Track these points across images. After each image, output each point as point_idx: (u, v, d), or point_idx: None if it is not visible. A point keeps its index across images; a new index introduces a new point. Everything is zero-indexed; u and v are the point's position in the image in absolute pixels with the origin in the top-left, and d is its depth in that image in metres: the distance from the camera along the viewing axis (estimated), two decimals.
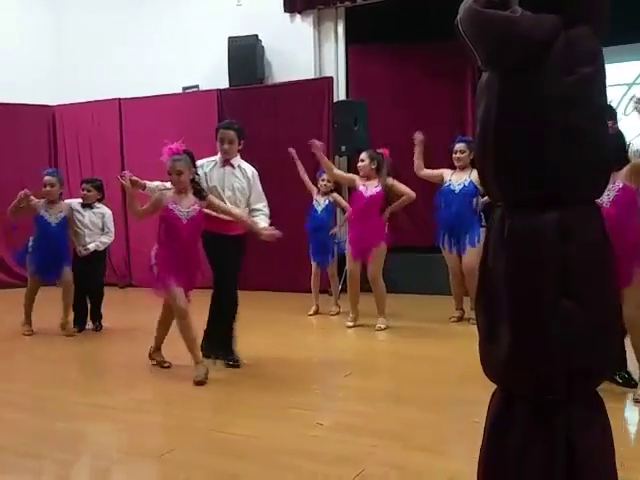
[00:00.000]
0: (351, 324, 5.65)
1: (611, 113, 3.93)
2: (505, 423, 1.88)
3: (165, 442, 3.06)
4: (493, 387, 1.97)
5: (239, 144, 4.42)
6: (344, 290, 6.24)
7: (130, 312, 6.63)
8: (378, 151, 5.71)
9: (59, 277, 5.51)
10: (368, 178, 5.61)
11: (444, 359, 4.54)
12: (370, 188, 5.56)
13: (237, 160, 4.45)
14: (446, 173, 5.78)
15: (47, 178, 5.53)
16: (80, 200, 5.69)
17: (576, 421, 1.79)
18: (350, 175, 5.96)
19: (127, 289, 8.40)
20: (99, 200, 5.73)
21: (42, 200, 5.53)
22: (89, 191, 5.66)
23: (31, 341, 5.41)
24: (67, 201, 5.72)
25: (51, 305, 5.56)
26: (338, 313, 6.27)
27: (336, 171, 5.90)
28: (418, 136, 5.71)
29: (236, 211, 4.24)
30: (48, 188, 5.48)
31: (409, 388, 3.85)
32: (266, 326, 5.69)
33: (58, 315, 5.53)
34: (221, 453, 2.93)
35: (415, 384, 3.93)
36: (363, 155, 5.71)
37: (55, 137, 9.38)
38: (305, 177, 6.27)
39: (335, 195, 6.30)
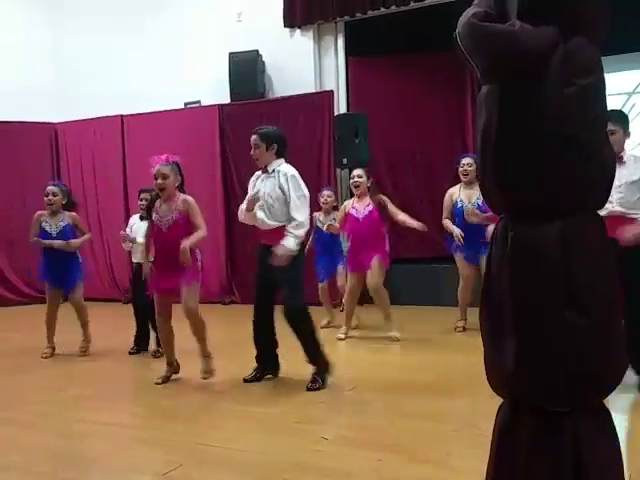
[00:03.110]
0: (342, 336, 5.64)
1: (624, 119, 3.91)
2: (512, 435, 1.87)
3: (170, 459, 3.05)
4: (499, 399, 1.96)
5: (267, 148, 4.18)
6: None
7: (132, 328, 6.61)
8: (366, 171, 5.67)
9: (71, 288, 5.38)
10: (362, 196, 5.55)
11: (449, 371, 4.51)
12: (361, 209, 5.52)
13: (273, 165, 4.21)
14: (453, 192, 5.74)
15: (49, 188, 5.41)
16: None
17: (583, 432, 1.78)
18: (341, 210, 5.78)
19: (130, 305, 8.40)
20: None
21: (44, 212, 5.40)
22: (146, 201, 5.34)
23: (35, 359, 5.40)
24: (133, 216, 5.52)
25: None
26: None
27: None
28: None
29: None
30: (50, 197, 5.35)
31: (414, 401, 3.83)
32: None
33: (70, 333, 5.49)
34: (226, 469, 2.91)
35: (420, 397, 3.90)
36: (360, 172, 5.59)
37: (58, 154, 9.43)
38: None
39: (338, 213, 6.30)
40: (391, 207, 5.51)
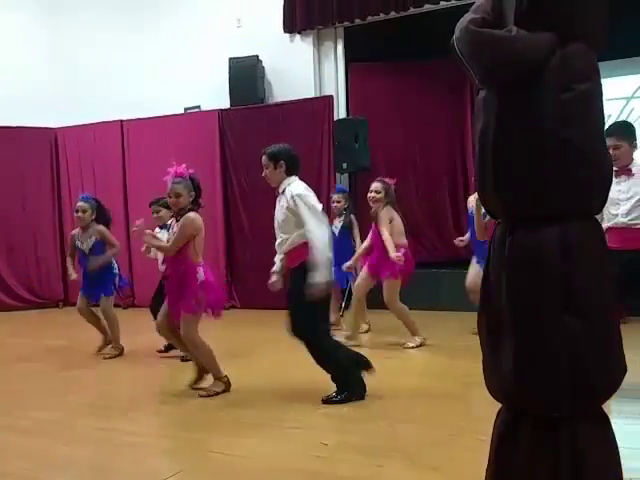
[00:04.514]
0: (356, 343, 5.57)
1: (628, 131, 3.89)
2: (511, 441, 1.87)
3: (169, 465, 3.04)
4: (498, 404, 1.96)
5: (275, 167, 4.03)
6: (347, 307, 6.19)
7: (133, 333, 6.61)
8: (387, 181, 5.52)
9: (97, 300, 5.50)
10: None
11: (448, 375, 4.51)
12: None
13: (283, 184, 4.04)
14: (475, 199, 5.70)
15: (79, 204, 5.46)
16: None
17: (582, 438, 1.78)
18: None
19: (130, 310, 8.43)
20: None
21: (77, 230, 5.50)
22: (158, 212, 5.40)
23: (36, 365, 5.39)
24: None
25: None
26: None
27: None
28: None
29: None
30: (80, 214, 5.41)
31: (414, 406, 3.82)
32: (276, 344, 5.64)
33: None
34: (225, 475, 2.90)
35: (420, 402, 3.90)
36: (378, 187, 5.44)
37: (57, 159, 9.42)
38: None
39: (352, 217, 6.26)
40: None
